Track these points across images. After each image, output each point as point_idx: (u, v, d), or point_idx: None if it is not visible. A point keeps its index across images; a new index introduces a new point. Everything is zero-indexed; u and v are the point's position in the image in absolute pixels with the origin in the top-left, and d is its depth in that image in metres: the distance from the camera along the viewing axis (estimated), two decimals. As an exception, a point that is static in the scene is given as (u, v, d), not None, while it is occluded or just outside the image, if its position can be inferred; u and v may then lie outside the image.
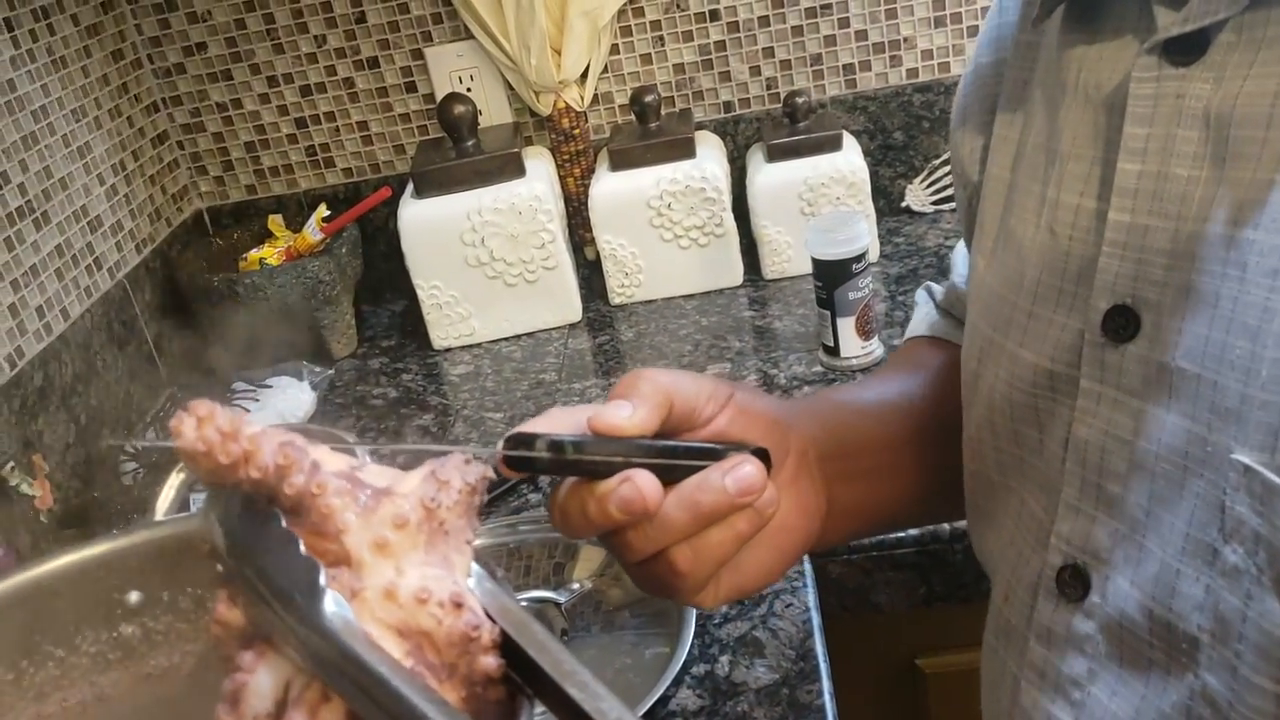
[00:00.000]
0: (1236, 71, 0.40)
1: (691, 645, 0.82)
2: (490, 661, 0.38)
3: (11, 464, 1.02)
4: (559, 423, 0.48)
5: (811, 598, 0.87)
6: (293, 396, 1.20)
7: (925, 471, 0.61)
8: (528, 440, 0.46)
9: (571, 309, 1.34)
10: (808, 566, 0.90)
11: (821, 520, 0.54)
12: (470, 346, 1.34)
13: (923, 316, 0.72)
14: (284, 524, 0.38)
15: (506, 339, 1.34)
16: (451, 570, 0.40)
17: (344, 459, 0.41)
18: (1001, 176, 0.53)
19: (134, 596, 0.51)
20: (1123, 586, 0.45)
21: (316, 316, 1.31)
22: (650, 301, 1.35)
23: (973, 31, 1.38)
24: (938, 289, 0.73)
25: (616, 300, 1.36)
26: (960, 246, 0.71)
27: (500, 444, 0.47)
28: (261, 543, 0.39)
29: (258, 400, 1.18)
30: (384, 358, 1.36)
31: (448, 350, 1.34)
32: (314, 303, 1.29)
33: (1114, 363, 0.44)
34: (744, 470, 0.47)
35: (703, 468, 0.47)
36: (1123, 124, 0.43)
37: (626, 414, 0.46)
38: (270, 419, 1.16)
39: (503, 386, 1.25)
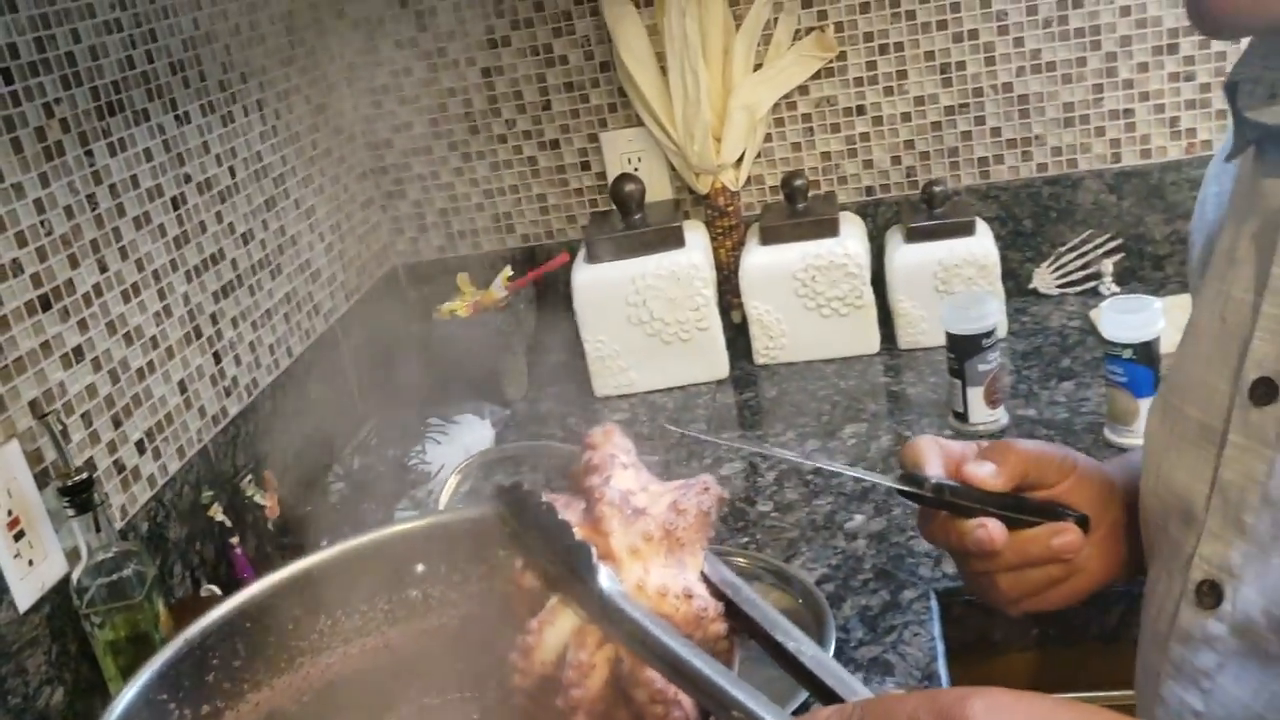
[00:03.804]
0: None
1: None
2: (720, 628, 0.53)
3: (249, 477, 1.21)
4: (932, 455, 0.68)
5: (937, 629, 0.99)
6: (477, 432, 1.37)
7: None
8: (918, 480, 0.67)
9: (720, 366, 1.49)
10: (934, 603, 1.02)
11: (1122, 568, 0.71)
12: (628, 395, 1.50)
13: None
14: (560, 516, 0.53)
15: (660, 390, 1.49)
16: (684, 570, 0.54)
17: (635, 479, 0.55)
18: (1198, 281, 0.67)
19: (420, 567, 0.66)
20: (1250, 595, 0.57)
21: (495, 363, 1.49)
22: (792, 363, 1.49)
23: (1099, 131, 1.49)
24: None
25: (761, 360, 1.50)
26: None
27: (896, 477, 0.68)
28: (547, 529, 0.54)
29: (447, 434, 1.35)
30: (550, 402, 1.52)
31: (608, 398, 1.50)
32: (495, 351, 1.47)
33: (1256, 421, 0.57)
34: (1068, 538, 0.66)
35: (1038, 524, 0.66)
36: (1276, 237, 0.56)
37: (990, 474, 0.66)
38: (457, 452, 1.32)
39: (657, 433, 1.40)
